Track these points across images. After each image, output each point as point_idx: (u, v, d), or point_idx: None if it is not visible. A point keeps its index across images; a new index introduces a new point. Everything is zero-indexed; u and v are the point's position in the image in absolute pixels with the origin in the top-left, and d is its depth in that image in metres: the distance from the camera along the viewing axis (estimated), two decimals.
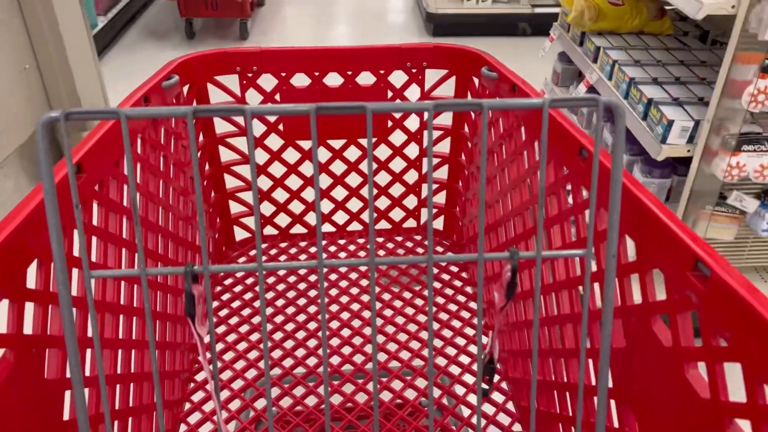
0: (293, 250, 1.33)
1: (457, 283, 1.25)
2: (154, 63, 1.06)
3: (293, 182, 1.30)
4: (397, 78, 1.19)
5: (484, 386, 0.74)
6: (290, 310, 1.18)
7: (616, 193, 0.49)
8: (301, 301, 1.20)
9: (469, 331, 1.13)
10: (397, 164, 1.29)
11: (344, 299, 1.21)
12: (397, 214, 1.36)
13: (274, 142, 1.24)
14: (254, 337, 1.12)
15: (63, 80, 2.49)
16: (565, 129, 0.81)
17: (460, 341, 1.11)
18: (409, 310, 1.18)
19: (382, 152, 1.28)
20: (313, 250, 1.34)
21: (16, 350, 0.59)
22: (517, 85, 1.00)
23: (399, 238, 1.37)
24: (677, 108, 1.65)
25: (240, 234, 1.37)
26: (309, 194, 1.28)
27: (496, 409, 0.99)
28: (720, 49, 2.05)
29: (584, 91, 2.16)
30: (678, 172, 1.77)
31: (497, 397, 1.02)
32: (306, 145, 1.26)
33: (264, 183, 1.30)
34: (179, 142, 1.09)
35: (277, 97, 1.19)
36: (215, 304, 1.19)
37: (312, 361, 1.08)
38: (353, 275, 1.26)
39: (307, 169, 1.31)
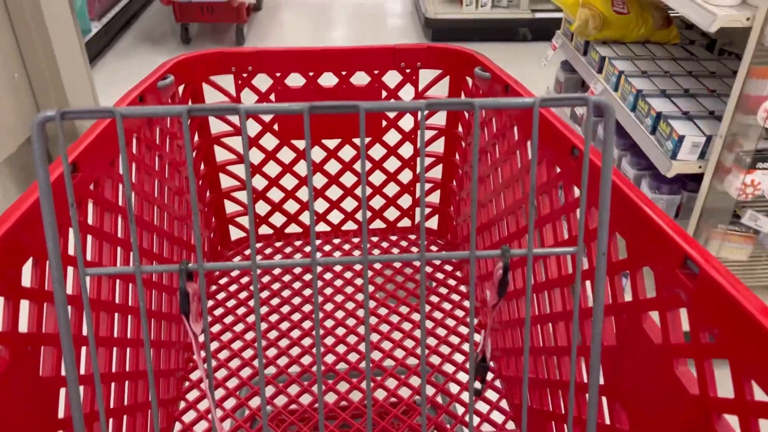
0: (288, 250, 1.34)
1: (452, 282, 1.25)
2: (148, 68, 1.06)
3: (288, 182, 1.30)
4: (392, 78, 1.20)
5: (478, 385, 0.74)
6: (285, 308, 1.18)
7: (606, 191, 0.50)
8: (296, 300, 1.20)
9: (463, 330, 1.14)
10: (392, 164, 1.29)
11: (339, 298, 1.21)
12: (391, 214, 1.36)
13: (269, 141, 1.24)
14: (249, 335, 1.13)
15: (53, 89, 2.44)
16: (556, 128, 0.82)
17: (454, 339, 1.12)
18: (404, 309, 1.19)
19: (377, 152, 1.28)
20: (308, 249, 1.34)
21: (11, 348, 0.59)
22: (510, 85, 1.00)
23: (394, 238, 1.37)
24: (687, 122, 1.60)
25: (235, 234, 1.38)
26: (304, 194, 1.29)
27: (490, 407, 1.00)
28: (729, 59, 2.01)
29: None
30: (688, 188, 1.72)
31: (491, 395, 1.02)
32: (301, 144, 1.27)
33: (259, 182, 1.31)
34: (174, 142, 1.09)
35: (272, 97, 1.20)
36: (210, 302, 1.20)
37: (306, 360, 1.08)
38: (348, 274, 1.27)
39: (302, 168, 1.32)
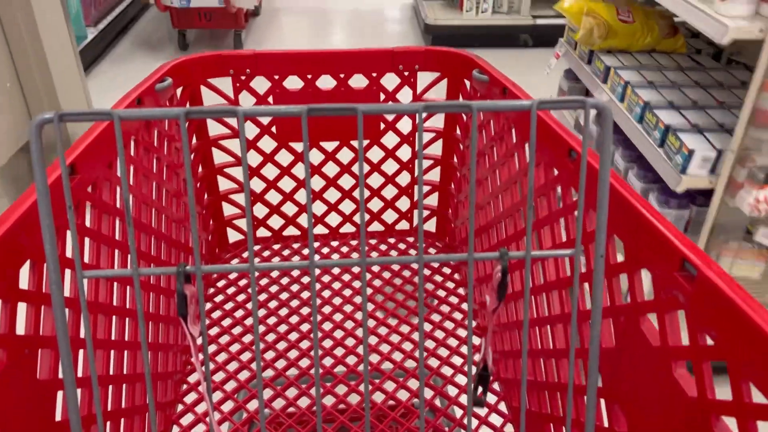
0: (286, 252, 1.34)
1: (450, 285, 1.25)
2: (145, 75, 1.06)
3: (286, 184, 1.30)
4: (390, 81, 1.20)
5: (488, 398, 0.71)
6: (283, 311, 1.18)
7: (603, 193, 0.50)
8: (294, 303, 1.20)
9: (462, 332, 1.14)
10: (390, 166, 1.29)
11: (337, 301, 1.21)
12: (390, 216, 1.36)
13: (268, 144, 1.24)
14: (247, 338, 1.12)
15: (47, 98, 2.37)
16: (554, 131, 0.82)
17: (453, 342, 1.12)
18: (402, 312, 1.19)
19: (375, 154, 1.28)
20: (306, 252, 1.34)
21: (8, 350, 0.59)
22: (508, 87, 1.01)
23: (392, 240, 1.37)
24: (697, 136, 1.56)
25: (233, 236, 1.38)
26: (302, 196, 1.29)
27: (488, 410, 1.00)
28: (737, 68, 1.98)
29: (595, 114, 2.04)
30: (697, 203, 1.67)
31: (489, 397, 1.02)
32: (299, 147, 1.27)
33: (257, 185, 1.31)
34: (172, 144, 1.09)
35: (270, 99, 1.20)
36: (208, 305, 1.19)
37: (304, 363, 1.08)
38: (346, 277, 1.27)
39: (300, 171, 1.32)
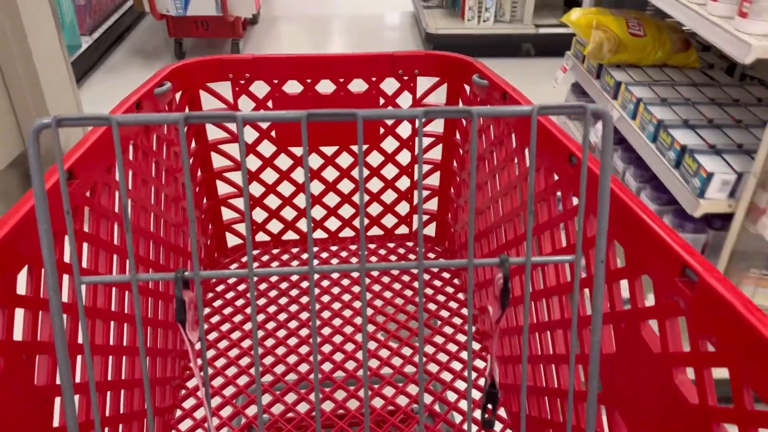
0: (285, 257, 1.33)
1: (449, 290, 1.25)
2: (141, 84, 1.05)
3: (285, 189, 1.30)
4: (389, 85, 1.20)
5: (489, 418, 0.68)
6: (282, 316, 1.18)
7: (604, 199, 0.49)
8: (293, 308, 1.20)
9: (461, 337, 1.14)
10: (390, 171, 1.29)
11: (336, 306, 1.21)
12: (389, 221, 1.36)
13: (267, 148, 1.24)
14: (245, 343, 1.12)
15: (36, 113, 2.23)
16: (554, 136, 0.82)
17: (452, 347, 1.12)
18: (401, 317, 1.19)
19: (375, 159, 1.28)
20: (305, 256, 1.34)
21: (6, 356, 0.59)
22: (508, 92, 1.00)
23: (391, 245, 1.37)
24: (715, 157, 1.49)
25: (232, 241, 1.37)
26: (301, 201, 1.29)
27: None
28: (752, 84, 1.92)
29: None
30: (714, 226, 1.59)
31: None
32: (298, 151, 1.27)
33: (256, 189, 1.30)
34: (171, 149, 1.09)
35: (270, 104, 1.20)
36: (207, 310, 1.19)
37: (303, 368, 1.08)
38: (345, 281, 1.27)
39: (299, 175, 1.32)
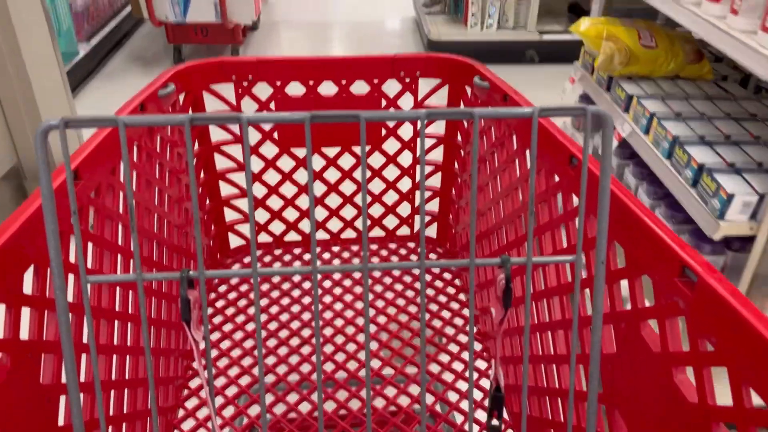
0: (287, 258, 1.34)
1: (451, 291, 1.25)
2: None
3: (288, 190, 1.30)
4: (391, 87, 1.20)
5: (495, 422, 0.67)
6: (284, 317, 1.18)
7: (604, 200, 0.50)
8: (295, 309, 1.20)
9: (463, 338, 1.14)
10: (391, 172, 1.30)
11: (338, 306, 1.21)
12: (391, 222, 1.37)
13: (269, 150, 1.24)
14: (248, 344, 1.13)
15: (30, 126, 2.14)
16: (555, 138, 0.82)
17: (454, 348, 1.12)
18: (403, 318, 1.19)
19: (377, 160, 1.28)
20: (307, 257, 1.34)
21: (12, 355, 0.60)
22: (509, 94, 1.01)
23: (393, 246, 1.38)
24: (735, 177, 1.44)
25: (234, 242, 1.38)
26: (303, 202, 1.29)
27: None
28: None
29: (615, 145, 1.90)
30: (733, 247, 1.54)
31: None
32: (300, 153, 1.27)
33: (259, 190, 1.31)
34: (175, 150, 1.10)
35: (272, 105, 1.20)
36: (209, 310, 1.20)
37: (306, 368, 1.08)
38: (347, 282, 1.27)
39: (301, 176, 1.32)
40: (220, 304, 1.21)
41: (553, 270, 0.85)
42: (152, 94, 1.01)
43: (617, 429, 0.70)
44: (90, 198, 0.78)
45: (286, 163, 1.26)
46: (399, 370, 1.08)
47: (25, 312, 0.62)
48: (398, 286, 1.26)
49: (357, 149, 1.27)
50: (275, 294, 1.24)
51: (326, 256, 1.34)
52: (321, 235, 1.37)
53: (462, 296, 1.24)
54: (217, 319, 1.18)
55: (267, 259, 1.34)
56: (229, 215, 1.34)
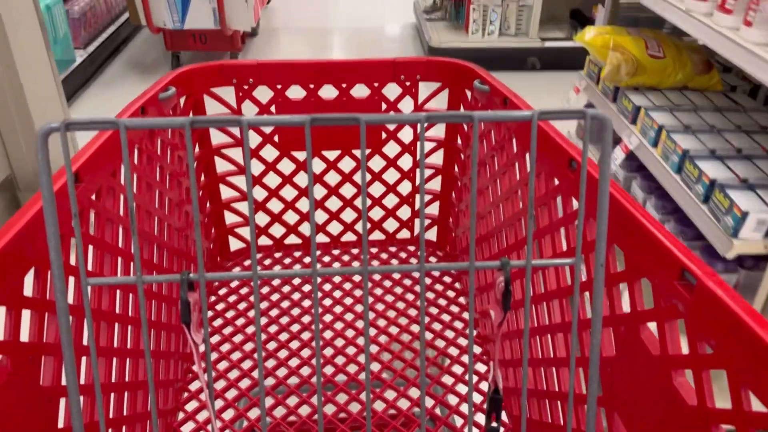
0: (287, 260, 1.34)
1: (450, 294, 1.26)
2: None
3: (288, 193, 1.31)
4: (391, 91, 1.21)
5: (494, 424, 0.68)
6: (284, 320, 1.19)
7: (603, 203, 0.50)
8: (295, 311, 1.20)
9: (462, 341, 1.14)
10: (391, 175, 1.30)
11: (338, 309, 1.21)
12: (391, 225, 1.37)
13: (270, 153, 1.25)
14: (248, 346, 1.13)
15: (24, 137, 2.11)
16: (554, 141, 0.82)
17: (454, 351, 1.12)
18: (403, 321, 1.19)
19: (377, 163, 1.29)
20: (307, 260, 1.34)
21: (12, 357, 0.60)
22: (509, 98, 1.01)
23: (393, 249, 1.38)
24: (748, 193, 1.40)
25: (235, 245, 1.38)
26: (303, 205, 1.30)
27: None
28: None
29: (623, 157, 1.84)
30: (746, 265, 1.52)
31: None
32: (301, 156, 1.27)
33: (259, 193, 1.31)
34: (175, 153, 1.10)
35: (273, 108, 1.21)
36: (209, 313, 1.20)
37: (305, 371, 1.08)
38: (347, 285, 1.27)
39: (301, 179, 1.33)
40: (220, 306, 1.21)
41: (552, 273, 0.85)
42: (153, 97, 1.01)
43: (617, 431, 0.70)
44: (90, 201, 0.78)
45: (286, 166, 1.26)
46: (399, 373, 1.08)
47: (26, 314, 0.62)
48: (398, 290, 1.26)
49: (357, 152, 1.27)
50: (275, 297, 1.24)
51: (326, 259, 1.35)
52: (321, 238, 1.37)
53: (462, 299, 1.24)
54: (217, 322, 1.18)
55: (267, 262, 1.34)
56: (230, 218, 1.34)
